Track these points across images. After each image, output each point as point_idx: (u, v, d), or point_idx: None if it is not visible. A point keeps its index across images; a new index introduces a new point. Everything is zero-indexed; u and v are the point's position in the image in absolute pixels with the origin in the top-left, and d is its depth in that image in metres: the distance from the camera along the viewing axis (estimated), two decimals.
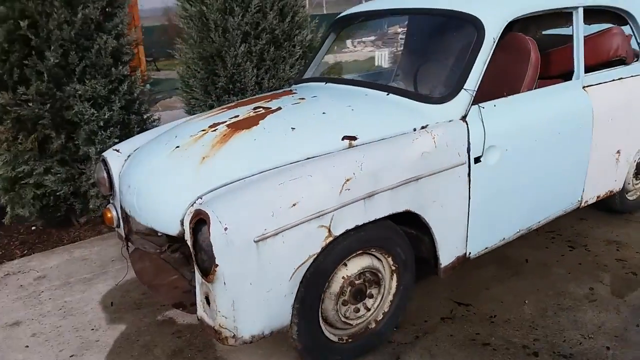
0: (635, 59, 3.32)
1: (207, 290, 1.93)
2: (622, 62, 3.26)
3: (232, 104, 2.86)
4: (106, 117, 3.49)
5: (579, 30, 2.92)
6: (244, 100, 2.86)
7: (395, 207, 2.17)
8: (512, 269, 3.00)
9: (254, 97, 2.91)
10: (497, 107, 2.52)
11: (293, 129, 2.29)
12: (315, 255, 1.97)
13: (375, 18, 3.42)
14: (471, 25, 2.54)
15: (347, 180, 2.02)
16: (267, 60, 4.25)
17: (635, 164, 3.43)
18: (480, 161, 2.41)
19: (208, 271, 1.85)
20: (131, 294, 2.97)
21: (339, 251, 2.08)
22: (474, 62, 2.46)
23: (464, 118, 2.42)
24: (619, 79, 3.15)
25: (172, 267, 2.55)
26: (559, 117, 2.79)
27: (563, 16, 2.97)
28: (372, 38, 6.75)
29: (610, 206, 3.50)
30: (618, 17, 3.29)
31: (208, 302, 1.94)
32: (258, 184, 1.97)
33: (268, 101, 2.65)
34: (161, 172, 2.26)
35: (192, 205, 2.01)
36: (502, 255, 3.06)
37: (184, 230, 2.02)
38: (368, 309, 2.31)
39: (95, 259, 3.43)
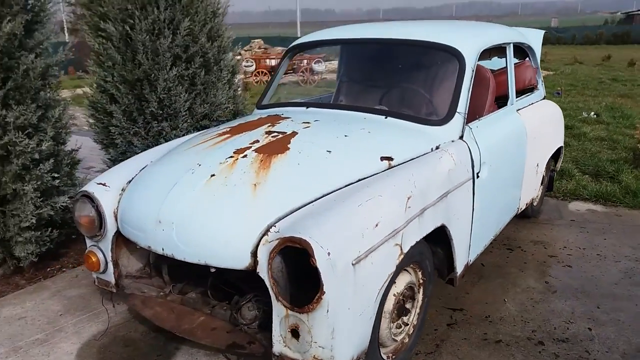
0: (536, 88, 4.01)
1: (296, 322, 1.82)
2: (531, 90, 3.92)
3: (225, 128, 2.69)
4: (42, 147, 2.99)
5: (511, 61, 3.44)
6: (235, 125, 2.72)
7: (435, 222, 2.31)
8: (477, 274, 3.34)
9: (243, 122, 2.78)
10: (479, 128, 2.85)
11: (329, 152, 2.29)
12: (392, 275, 2.01)
13: (330, 45, 3.56)
14: (452, 56, 2.83)
15: (409, 198, 2.10)
16: (198, 85, 4.07)
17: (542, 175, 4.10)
18: (479, 176, 2.69)
19: (308, 300, 1.76)
20: (111, 348, 2.57)
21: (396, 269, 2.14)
22: (461, 89, 2.75)
23: (461, 137, 2.68)
24: (531, 104, 3.77)
25: (191, 308, 2.32)
26: (509, 136, 3.24)
27: (498, 50, 3.48)
28: None
29: (525, 212, 4.11)
30: (522, 51, 3.94)
31: (296, 335, 1.83)
32: (339, 207, 1.93)
33: (271, 126, 2.59)
34: (207, 203, 2.06)
35: (265, 234, 1.89)
36: None
37: (255, 262, 1.88)
38: (406, 324, 2.39)
39: (36, 316, 2.87)
